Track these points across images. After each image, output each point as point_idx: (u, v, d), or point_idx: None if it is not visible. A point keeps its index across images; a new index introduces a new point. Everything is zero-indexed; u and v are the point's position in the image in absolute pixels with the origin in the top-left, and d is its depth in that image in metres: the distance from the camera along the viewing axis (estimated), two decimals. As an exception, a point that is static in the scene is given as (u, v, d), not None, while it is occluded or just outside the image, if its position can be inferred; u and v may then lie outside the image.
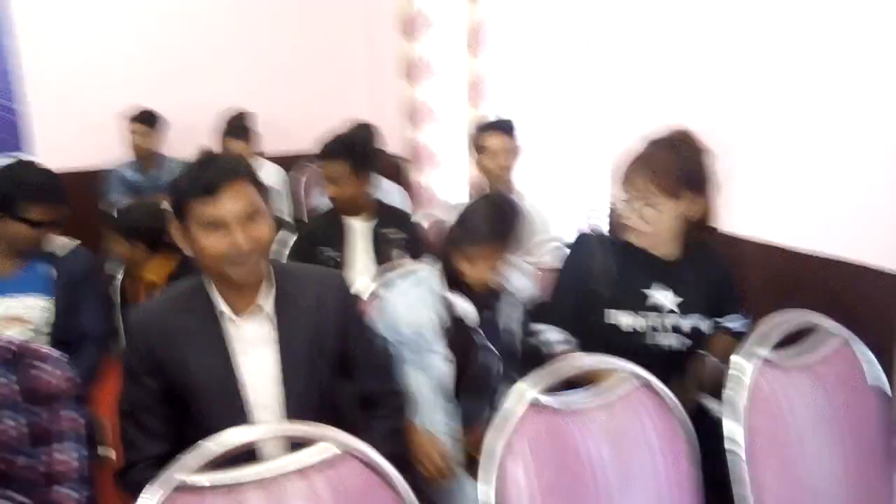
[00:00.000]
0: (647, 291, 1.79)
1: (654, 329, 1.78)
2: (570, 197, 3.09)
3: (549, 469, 1.31)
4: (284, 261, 2.38)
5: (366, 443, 1.20)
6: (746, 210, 2.08)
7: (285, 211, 4.04)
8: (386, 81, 4.32)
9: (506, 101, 3.30)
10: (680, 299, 1.79)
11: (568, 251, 1.95)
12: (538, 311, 1.94)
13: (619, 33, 2.48)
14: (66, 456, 1.47)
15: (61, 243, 2.20)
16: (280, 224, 3.17)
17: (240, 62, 4.46)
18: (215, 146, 3.72)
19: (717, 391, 1.60)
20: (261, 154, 4.08)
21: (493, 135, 2.74)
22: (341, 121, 3.63)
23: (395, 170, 4.02)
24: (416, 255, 2.42)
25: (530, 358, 1.86)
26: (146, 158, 4.03)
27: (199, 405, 1.49)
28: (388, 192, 3.24)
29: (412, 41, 3.72)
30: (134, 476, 1.39)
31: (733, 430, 1.46)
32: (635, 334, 1.78)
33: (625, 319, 1.78)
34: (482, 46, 3.21)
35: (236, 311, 1.53)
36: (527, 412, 1.34)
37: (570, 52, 2.88)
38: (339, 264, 2.49)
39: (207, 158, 1.50)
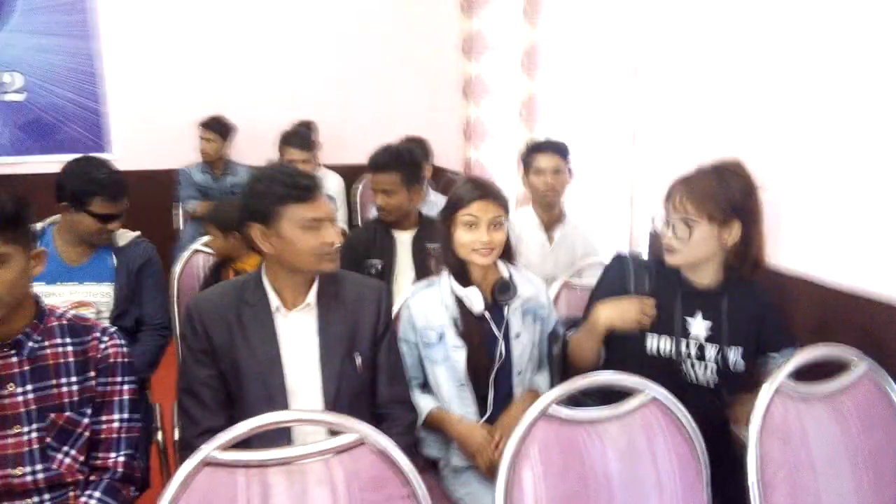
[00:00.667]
0: (683, 318, 1.81)
1: (689, 357, 1.80)
2: (617, 220, 3.13)
3: (557, 477, 1.38)
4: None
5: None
6: (791, 245, 2.06)
7: (341, 219, 4.19)
8: (444, 99, 4.45)
9: (558, 123, 3.37)
10: (715, 329, 1.80)
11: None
12: (573, 327, 1.99)
13: (671, 63, 2.52)
14: (112, 420, 1.59)
15: (123, 234, 2.38)
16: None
17: (307, 76, 4.66)
18: (277, 153, 3.89)
19: None
20: (319, 164, 4.25)
21: (543, 154, 2.78)
22: (400, 134, 3.77)
23: (449, 184, 4.12)
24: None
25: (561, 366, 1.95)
26: (215, 162, 4.24)
27: (243, 389, 1.66)
28: (437, 204, 3.34)
29: (471, 61, 3.84)
30: (193, 446, 1.53)
31: (746, 456, 1.50)
32: (670, 360, 1.80)
33: (659, 344, 1.81)
34: (537, 68, 3.30)
35: (287, 306, 1.71)
36: (539, 421, 1.41)
37: (619, 78, 2.93)
38: (380, 273, 2.60)
39: (294, 170, 1.72)
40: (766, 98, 2.11)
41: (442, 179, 4.15)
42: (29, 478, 1.50)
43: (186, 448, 1.66)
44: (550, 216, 2.84)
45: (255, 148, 4.31)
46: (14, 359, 1.51)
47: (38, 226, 2.30)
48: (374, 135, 3.52)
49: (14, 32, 4.05)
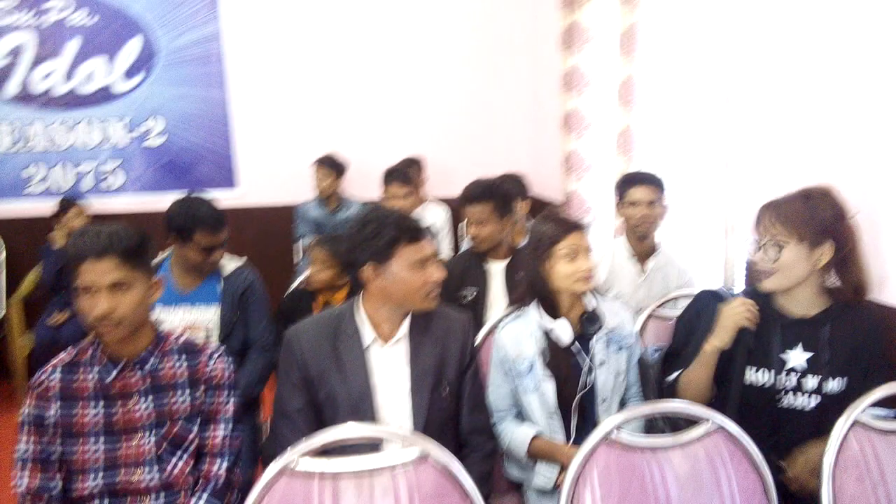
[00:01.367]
0: (780, 350, 1.81)
1: (787, 389, 1.79)
2: (713, 251, 3.10)
3: (616, 498, 1.43)
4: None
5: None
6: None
7: (445, 250, 4.35)
8: (545, 133, 4.54)
9: (653, 155, 3.38)
10: (815, 359, 1.78)
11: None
12: (666, 360, 2.02)
13: (763, 92, 2.51)
14: (217, 432, 1.77)
15: (229, 262, 2.62)
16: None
17: (415, 115, 4.88)
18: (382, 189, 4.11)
19: None
20: (423, 198, 4.44)
21: (638, 186, 2.79)
22: (503, 166, 3.90)
23: (550, 216, 4.20)
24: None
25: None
26: (329, 198, 4.51)
27: (337, 417, 1.76)
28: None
29: (570, 95, 3.91)
30: None
31: (821, 489, 1.49)
32: (768, 392, 1.80)
33: (757, 376, 1.81)
34: (633, 101, 3.33)
35: (381, 339, 1.83)
36: (600, 445, 1.47)
37: (712, 109, 2.93)
38: (474, 302, 2.71)
39: (397, 212, 1.86)
40: (865, 126, 2.06)
41: (542, 212, 4.23)
42: (146, 481, 1.71)
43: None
44: (643, 247, 2.86)
45: (367, 184, 4.57)
46: (137, 375, 1.74)
47: (160, 256, 2.56)
48: (479, 167, 3.66)
49: (157, 83, 4.53)
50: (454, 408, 1.87)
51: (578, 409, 1.98)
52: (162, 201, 4.47)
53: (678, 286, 2.81)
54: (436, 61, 4.86)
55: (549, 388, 1.97)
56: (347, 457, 1.40)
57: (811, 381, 1.77)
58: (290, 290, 2.84)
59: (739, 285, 2.73)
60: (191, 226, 2.41)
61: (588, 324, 2.00)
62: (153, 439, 1.72)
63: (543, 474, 1.97)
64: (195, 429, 1.75)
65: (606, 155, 3.69)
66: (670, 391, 1.89)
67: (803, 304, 1.82)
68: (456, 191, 4.69)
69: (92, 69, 4.45)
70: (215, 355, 1.81)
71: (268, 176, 4.76)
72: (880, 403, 1.61)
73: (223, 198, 2.57)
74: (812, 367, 1.78)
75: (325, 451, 1.39)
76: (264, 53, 4.67)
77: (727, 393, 1.81)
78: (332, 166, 4.48)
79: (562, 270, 1.97)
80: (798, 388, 1.78)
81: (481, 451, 1.88)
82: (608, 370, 2.01)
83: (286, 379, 1.81)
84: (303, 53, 4.71)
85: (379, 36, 4.78)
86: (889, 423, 1.57)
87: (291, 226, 4.56)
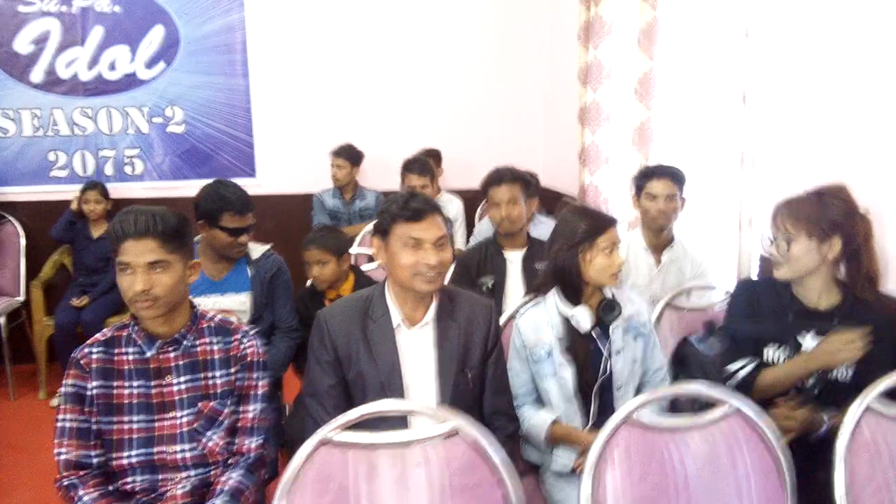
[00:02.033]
0: (797, 335, 1.93)
1: None
2: (727, 243, 3.14)
3: (637, 478, 1.49)
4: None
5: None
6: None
7: (459, 240, 4.40)
8: (561, 126, 4.58)
9: (670, 149, 3.42)
10: None
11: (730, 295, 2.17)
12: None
13: (780, 88, 2.54)
14: (249, 410, 1.84)
15: (256, 248, 2.67)
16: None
17: (431, 107, 4.93)
18: (400, 179, 4.17)
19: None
20: (439, 189, 4.49)
21: (658, 179, 2.82)
22: (519, 159, 3.94)
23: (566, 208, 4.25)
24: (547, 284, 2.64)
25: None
26: (345, 188, 4.58)
27: (366, 398, 1.81)
28: (547, 225, 3.48)
29: (587, 89, 3.96)
30: None
31: (834, 473, 1.54)
32: None
33: (774, 355, 1.94)
34: (651, 95, 3.37)
35: (408, 322, 1.88)
36: (622, 426, 1.52)
37: (729, 103, 2.97)
38: (491, 291, 2.77)
39: (413, 193, 1.88)
40: (883, 122, 2.10)
41: (558, 203, 4.28)
42: (180, 455, 1.77)
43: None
44: (659, 239, 2.90)
45: (383, 174, 4.63)
46: (172, 354, 1.80)
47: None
48: (495, 160, 3.69)
49: (178, 72, 4.59)
50: (478, 390, 1.92)
51: (600, 395, 2.04)
52: (182, 188, 4.60)
53: (692, 277, 2.86)
54: (453, 54, 4.91)
55: (569, 373, 2.03)
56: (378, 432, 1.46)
57: None
58: (303, 290, 2.89)
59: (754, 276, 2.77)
60: (218, 208, 2.47)
61: (606, 312, 2.05)
62: (188, 416, 1.78)
63: (561, 458, 2.03)
64: (229, 406, 1.82)
65: (623, 148, 3.73)
66: (744, 387, 1.91)
67: (815, 293, 1.95)
68: (469, 183, 4.78)
69: (115, 57, 4.52)
70: (248, 336, 1.87)
71: (286, 165, 4.82)
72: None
73: (242, 186, 2.61)
74: None
75: (356, 428, 1.45)
76: (286, 44, 4.72)
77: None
78: (348, 156, 4.54)
79: (600, 263, 2.02)
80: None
81: (503, 432, 1.94)
82: (625, 357, 2.07)
83: (317, 359, 1.87)
84: (323, 44, 4.76)
85: (398, 28, 4.83)
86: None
87: (309, 214, 4.62)
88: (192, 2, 4.54)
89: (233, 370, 1.83)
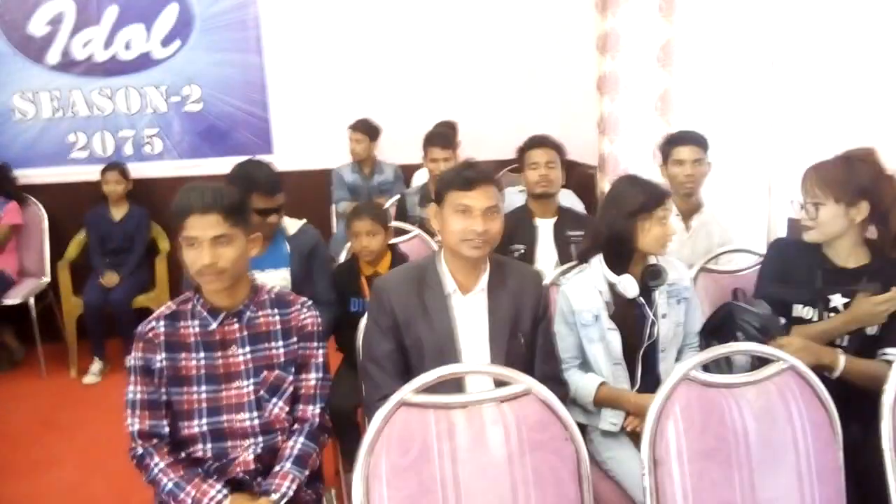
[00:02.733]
0: (827, 293, 2.02)
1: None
2: (754, 208, 3.19)
3: (697, 432, 1.54)
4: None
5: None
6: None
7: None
8: (579, 95, 4.60)
9: (694, 116, 3.46)
10: (850, 305, 1.98)
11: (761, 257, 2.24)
12: None
13: (808, 53, 2.58)
14: (310, 378, 1.90)
15: (293, 223, 2.71)
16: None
17: (447, 79, 4.93)
18: (420, 152, 4.19)
19: None
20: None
21: (684, 146, 2.85)
22: (536, 130, 3.97)
23: (585, 178, 4.29)
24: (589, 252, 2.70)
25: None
26: (363, 162, 4.60)
27: (421, 363, 1.88)
28: (565, 196, 3.52)
29: (605, 57, 3.98)
30: (373, 408, 1.73)
31: (881, 426, 1.61)
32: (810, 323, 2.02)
33: (803, 312, 2.03)
34: (672, 62, 3.40)
35: (461, 289, 1.94)
36: (681, 384, 1.58)
37: (756, 69, 3.00)
38: (522, 257, 2.83)
39: (469, 163, 1.96)
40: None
41: (575, 173, 4.31)
42: (247, 423, 1.83)
43: (368, 409, 1.95)
44: (688, 205, 2.95)
45: (400, 148, 4.65)
46: (236, 326, 1.85)
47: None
48: (511, 131, 3.73)
49: (194, 50, 4.59)
50: (530, 355, 1.98)
51: (645, 359, 2.11)
52: (201, 167, 4.63)
53: (720, 243, 2.91)
54: (468, 25, 4.90)
55: (616, 338, 2.09)
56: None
57: None
58: (340, 265, 2.92)
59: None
60: (246, 188, 2.49)
61: (651, 278, 2.11)
62: (252, 385, 1.84)
63: (609, 419, 2.10)
64: (290, 375, 1.88)
65: (644, 117, 3.76)
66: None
67: (843, 254, 2.03)
68: (487, 154, 4.78)
69: (131, 36, 4.52)
70: (306, 306, 1.93)
71: (303, 141, 4.84)
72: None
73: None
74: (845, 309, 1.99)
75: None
76: (298, 18, 4.71)
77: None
78: (366, 130, 4.54)
79: (656, 232, 2.07)
80: None
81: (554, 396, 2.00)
82: (669, 322, 2.13)
83: (375, 325, 1.93)
84: (337, 18, 4.76)
85: (411, 0, 4.82)
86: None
87: (327, 190, 4.66)
88: (205, -21, 4.54)
89: (293, 340, 1.89)
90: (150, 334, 1.82)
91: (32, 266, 4.46)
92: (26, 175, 4.51)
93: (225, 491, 1.74)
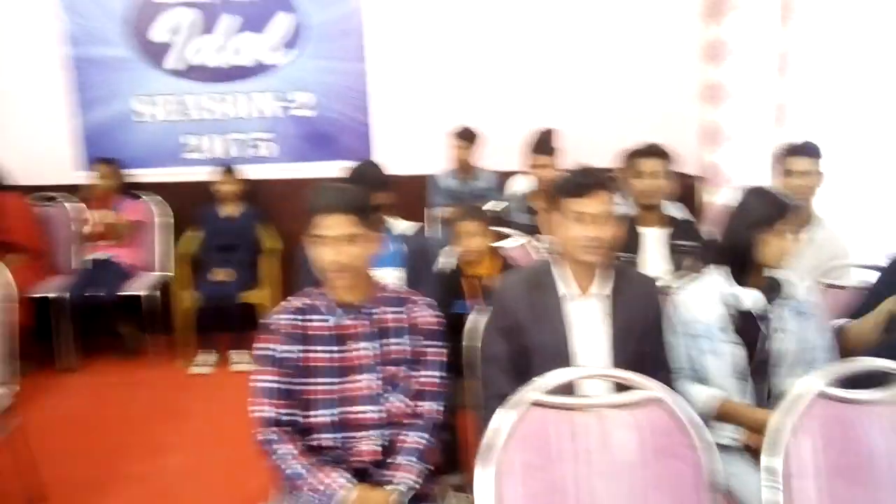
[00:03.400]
0: None
1: None
2: (871, 222, 3.07)
3: (834, 451, 1.51)
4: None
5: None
6: None
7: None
8: (681, 104, 4.51)
9: (809, 125, 3.35)
10: None
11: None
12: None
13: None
14: (431, 375, 1.94)
15: (408, 225, 2.78)
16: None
17: (547, 86, 4.92)
18: (525, 160, 4.21)
19: None
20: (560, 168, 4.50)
21: (801, 158, 2.80)
22: (637, 138, 3.92)
23: (687, 187, 4.21)
24: (706, 262, 2.65)
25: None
26: (463, 169, 4.65)
27: (535, 366, 1.88)
28: (676, 208, 3.47)
29: (710, 66, 3.89)
30: (489, 407, 1.77)
31: None
32: None
33: None
34: (791, 70, 3.30)
35: (575, 293, 1.95)
36: (815, 399, 1.54)
37: (872, 79, 2.89)
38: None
39: (584, 169, 1.97)
40: None
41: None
42: (370, 416, 1.89)
43: (483, 408, 1.97)
44: (799, 217, 2.86)
45: (500, 155, 4.67)
46: (358, 321, 1.92)
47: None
48: (611, 139, 3.71)
49: (302, 58, 4.77)
50: (645, 363, 1.97)
51: (761, 374, 2.06)
52: (307, 170, 4.79)
53: (831, 257, 2.81)
54: (567, 28, 4.87)
55: (731, 351, 2.05)
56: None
57: None
58: (440, 272, 2.97)
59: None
60: (369, 188, 2.58)
61: (771, 291, 2.06)
62: (372, 379, 1.90)
63: (729, 435, 2.06)
64: (412, 371, 1.93)
65: (754, 126, 3.66)
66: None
67: None
68: (586, 161, 4.74)
69: (242, 44, 4.74)
70: (427, 305, 1.98)
71: (402, 146, 4.92)
72: None
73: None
74: None
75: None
76: (401, 26, 4.82)
77: None
78: (466, 137, 4.59)
79: (779, 246, 2.04)
80: None
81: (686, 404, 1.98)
82: (791, 337, 2.08)
83: (493, 326, 1.98)
84: (438, 25, 4.83)
85: (511, 7, 4.84)
86: None
87: (424, 195, 4.73)
88: (312, -11, 4.71)
89: (414, 337, 1.94)
90: (277, 326, 1.90)
91: (150, 261, 4.71)
92: (145, 174, 4.78)
93: (353, 480, 1.80)
